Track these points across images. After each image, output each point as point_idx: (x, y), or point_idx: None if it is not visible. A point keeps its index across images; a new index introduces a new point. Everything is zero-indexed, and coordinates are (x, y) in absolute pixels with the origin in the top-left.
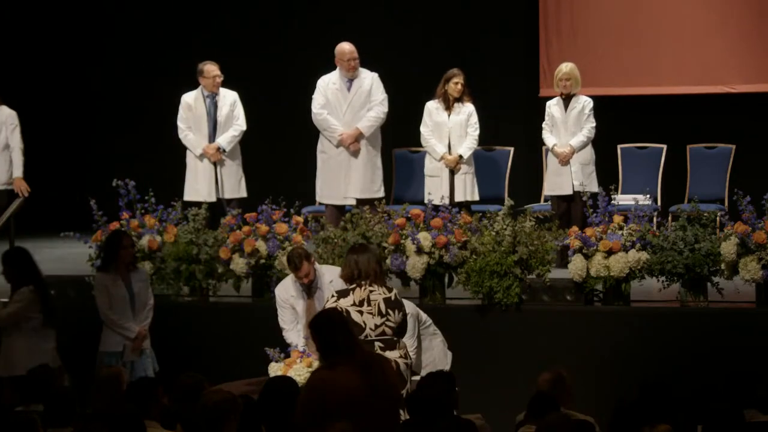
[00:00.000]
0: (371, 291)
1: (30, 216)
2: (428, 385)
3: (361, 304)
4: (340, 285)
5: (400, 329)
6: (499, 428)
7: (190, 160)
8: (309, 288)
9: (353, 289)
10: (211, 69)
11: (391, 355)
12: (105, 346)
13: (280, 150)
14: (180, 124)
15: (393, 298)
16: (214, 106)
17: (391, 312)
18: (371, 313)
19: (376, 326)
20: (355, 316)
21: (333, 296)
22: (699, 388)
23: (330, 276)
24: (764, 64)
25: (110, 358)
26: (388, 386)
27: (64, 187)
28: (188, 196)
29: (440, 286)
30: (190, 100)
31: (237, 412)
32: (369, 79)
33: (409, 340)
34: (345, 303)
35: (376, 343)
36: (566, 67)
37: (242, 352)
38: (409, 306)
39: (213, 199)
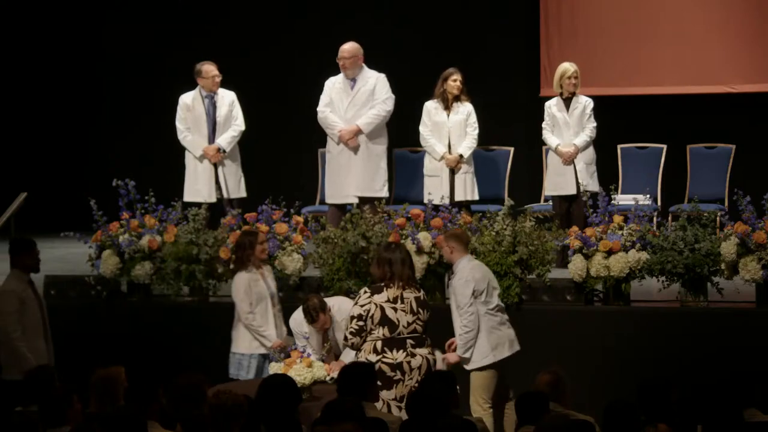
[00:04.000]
0: (404, 290)
1: (30, 216)
2: (428, 384)
3: (395, 301)
4: (345, 311)
5: (427, 328)
6: (498, 428)
7: (190, 161)
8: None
9: (386, 286)
10: (209, 69)
11: (421, 351)
12: (237, 347)
13: (280, 150)
14: (179, 125)
15: (422, 297)
16: (213, 106)
17: (421, 311)
18: (404, 311)
19: (409, 324)
20: (390, 313)
21: (366, 291)
22: (699, 388)
23: (336, 305)
24: (764, 64)
25: (249, 360)
26: None
27: (64, 187)
28: (188, 197)
29: (440, 286)
30: (188, 101)
31: (244, 414)
32: (374, 79)
33: None
34: (379, 299)
35: (408, 340)
36: (572, 66)
37: None
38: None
39: (213, 199)
